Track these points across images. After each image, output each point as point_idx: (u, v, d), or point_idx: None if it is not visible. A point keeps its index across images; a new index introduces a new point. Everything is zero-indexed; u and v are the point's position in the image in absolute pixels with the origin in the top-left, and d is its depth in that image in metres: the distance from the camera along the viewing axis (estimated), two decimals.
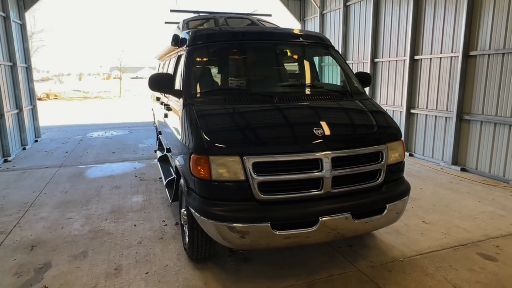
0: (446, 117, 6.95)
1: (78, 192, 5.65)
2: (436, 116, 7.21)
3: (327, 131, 2.99)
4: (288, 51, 4.46)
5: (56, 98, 29.59)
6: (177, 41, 4.12)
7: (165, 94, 4.59)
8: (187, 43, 3.78)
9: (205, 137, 2.86)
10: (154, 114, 7.47)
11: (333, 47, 4.22)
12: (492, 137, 6.10)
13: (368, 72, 8.70)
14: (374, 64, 8.89)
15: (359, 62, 9.42)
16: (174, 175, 4.16)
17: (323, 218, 2.80)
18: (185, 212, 3.32)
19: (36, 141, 9.93)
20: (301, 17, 12.23)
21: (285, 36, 4.15)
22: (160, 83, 3.59)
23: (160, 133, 6.01)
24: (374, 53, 8.83)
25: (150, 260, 3.55)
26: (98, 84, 48.98)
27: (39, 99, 24.89)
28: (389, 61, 8.42)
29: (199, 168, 2.84)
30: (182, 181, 3.35)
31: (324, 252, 3.65)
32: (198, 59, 3.93)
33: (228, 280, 3.21)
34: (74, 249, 3.79)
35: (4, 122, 7.68)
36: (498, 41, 5.88)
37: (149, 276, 3.28)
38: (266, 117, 3.19)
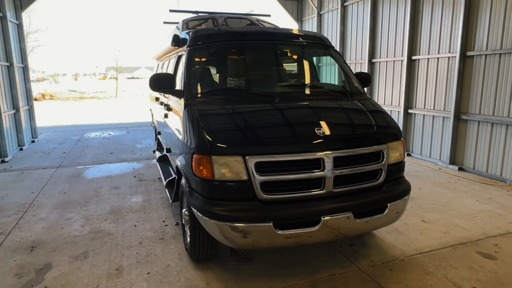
0: (443, 117, 6.99)
1: (77, 192, 5.62)
2: (433, 116, 7.26)
3: (329, 131, 3.01)
4: (288, 51, 4.48)
5: (52, 99, 29.40)
6: (177, 41, 4.12)
7: (165, 94, 4.58)
8: (187, 43, 3.78)
9: (207, 137, 2.86)
10: (152, 115, 7.45)
11: (333, 47, 4.24)
12: (489, 136, 6.15)
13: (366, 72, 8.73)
14: (372, 65, 8.92)
15: (356, 63, 9.45)
16: (174, 175, 4.16)
17: (325, 218, 2.81)
18: (186, 212, 3.32)
19: (33, 141, 9.87)
20: (299, 17, 12.26)
21: (286, 36, 4.17)
22: (161, 83, 3.60)
23: (159, 133, 5.99)
24: (372, 54, 8.86)
25: (151, 260, 3.55)
26: (94, 84, 48.76)
27: (35, 99, 24.62)
28: (386, 62, 8.46)
29: (201, 168, 2.84)
30: (183, 181, 3.35)
31: (325, 252, 3.66)
32: (198, 59, 3.93)
33: (230, 280, 3.22)
34: (75, 250, 3.78)
35: (1, 122, 7.63)
36: (495, 42, 5.93)
37: (151, 276, 3.28)
38: (267, 117, 3.20)
